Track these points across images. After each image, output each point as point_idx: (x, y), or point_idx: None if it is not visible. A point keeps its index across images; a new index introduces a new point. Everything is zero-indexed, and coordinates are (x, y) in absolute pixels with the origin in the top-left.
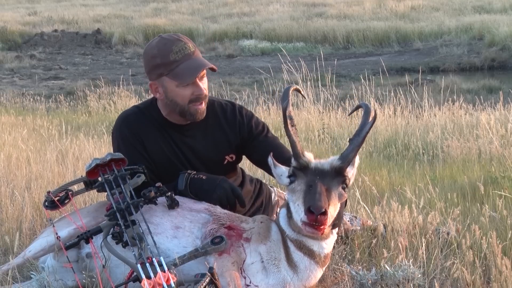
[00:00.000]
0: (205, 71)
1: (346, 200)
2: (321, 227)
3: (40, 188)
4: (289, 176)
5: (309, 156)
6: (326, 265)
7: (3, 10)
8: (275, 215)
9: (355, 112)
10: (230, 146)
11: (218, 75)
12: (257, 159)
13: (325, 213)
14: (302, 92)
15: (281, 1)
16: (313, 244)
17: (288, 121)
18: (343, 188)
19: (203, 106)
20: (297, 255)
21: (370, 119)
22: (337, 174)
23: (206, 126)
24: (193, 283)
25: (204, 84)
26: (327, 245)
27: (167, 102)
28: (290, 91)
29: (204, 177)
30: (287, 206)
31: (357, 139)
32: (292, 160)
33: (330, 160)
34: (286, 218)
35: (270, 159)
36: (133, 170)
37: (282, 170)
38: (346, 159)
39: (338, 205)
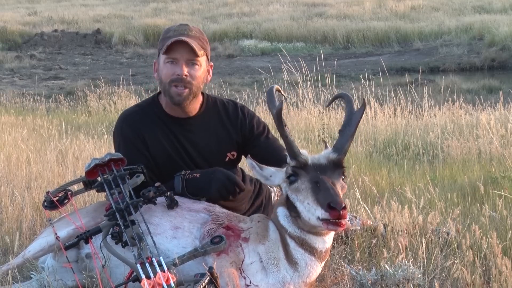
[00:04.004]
0: (199, 60)
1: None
2: (342, 222)
3: (40, 188)
4: (288, 177)
5: (305, 153)
6: (326, 260)
7: (3, 10)
8: None
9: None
10: (232, 143)
11: (218, 75)
12: (257, 160)
13: (345, 207)
14: (282, 92)
15: (281, 1)
16: (316, 241)
17: (283, 121)
18: (343, 179)
19: (185, 91)
20: (297, 252)
21: (355, 107)
22: (336, 167)
23: (208, 122)
24: (193, 283)
25: (193, 71)
26: (329, 239)
27: (159, 81)
28: (274, 91)
29: (198, 175)
30: (286, 205)
31: (349, 128)
32: (289, 160)
33: (324, 153)
34: (289, 218)
35: (251, 161)
36: (132, 170)
37: (271, 171)
38: (342, 150)
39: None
